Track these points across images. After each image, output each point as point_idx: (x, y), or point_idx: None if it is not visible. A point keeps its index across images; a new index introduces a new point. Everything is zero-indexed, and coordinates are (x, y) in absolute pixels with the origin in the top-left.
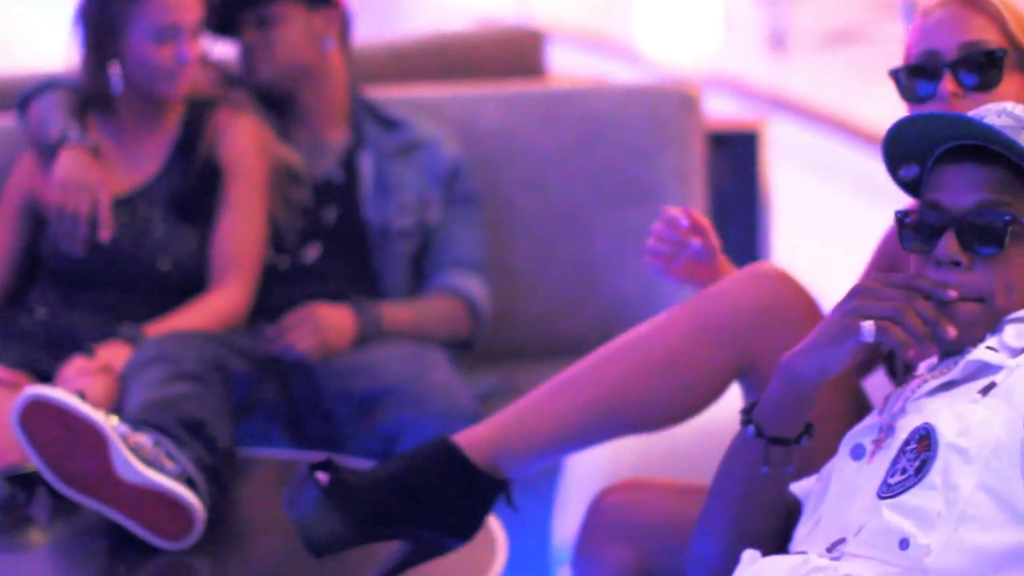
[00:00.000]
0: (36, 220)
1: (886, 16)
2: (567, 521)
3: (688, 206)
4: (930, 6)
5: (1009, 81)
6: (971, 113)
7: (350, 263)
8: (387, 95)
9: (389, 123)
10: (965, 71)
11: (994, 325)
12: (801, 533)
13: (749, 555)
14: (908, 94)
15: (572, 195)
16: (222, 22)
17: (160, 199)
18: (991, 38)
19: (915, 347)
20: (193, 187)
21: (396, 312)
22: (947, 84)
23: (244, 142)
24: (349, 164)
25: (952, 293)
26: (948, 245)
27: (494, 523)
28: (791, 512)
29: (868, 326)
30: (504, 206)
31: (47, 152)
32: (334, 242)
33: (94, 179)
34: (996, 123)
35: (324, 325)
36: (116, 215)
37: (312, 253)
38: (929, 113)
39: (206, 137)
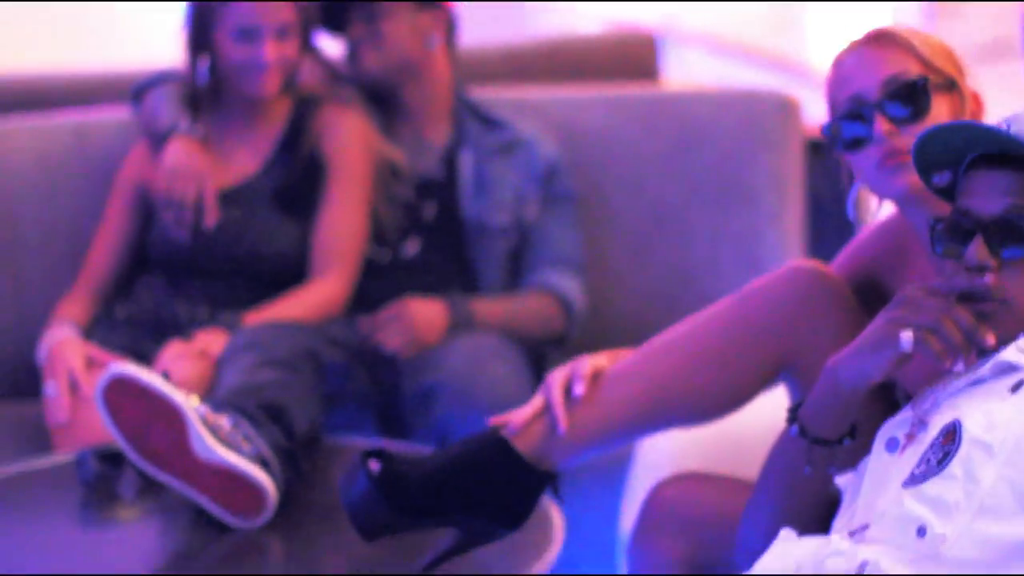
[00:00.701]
0: (146, 209)
1: None
2: (633, 510)
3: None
4: (840, 55)
5: (939, 104)
6: (1004, 119)
7: (448, 258)
8: (492, 95)
9: (490, 123)
10: (893, 107)
11: (1021, 327)
12: (838, 525)
13: (785, 533)
14: (846, 145)
15: (670, 197)
16: (332, 18)
17: (265, 192)
18: (909, 68)
19: (952, 358)
20: (297, 181)
21: (489, 307)
22: (880, 124)
23: (348, 138)
24: (450, 162)
25: (989, 278)
26: (977, 250)
27: (552, 509)
28: (833, 502)
29: (907, 336)
30: (602, 206)
31: (157, 141)
32: (433, 237)
33: (200, 167)
34: (1021, 129)
35: (415, 321)
36: (222, 206)
37: (411, 248)
38: (955, 123)
39: (311, 132)
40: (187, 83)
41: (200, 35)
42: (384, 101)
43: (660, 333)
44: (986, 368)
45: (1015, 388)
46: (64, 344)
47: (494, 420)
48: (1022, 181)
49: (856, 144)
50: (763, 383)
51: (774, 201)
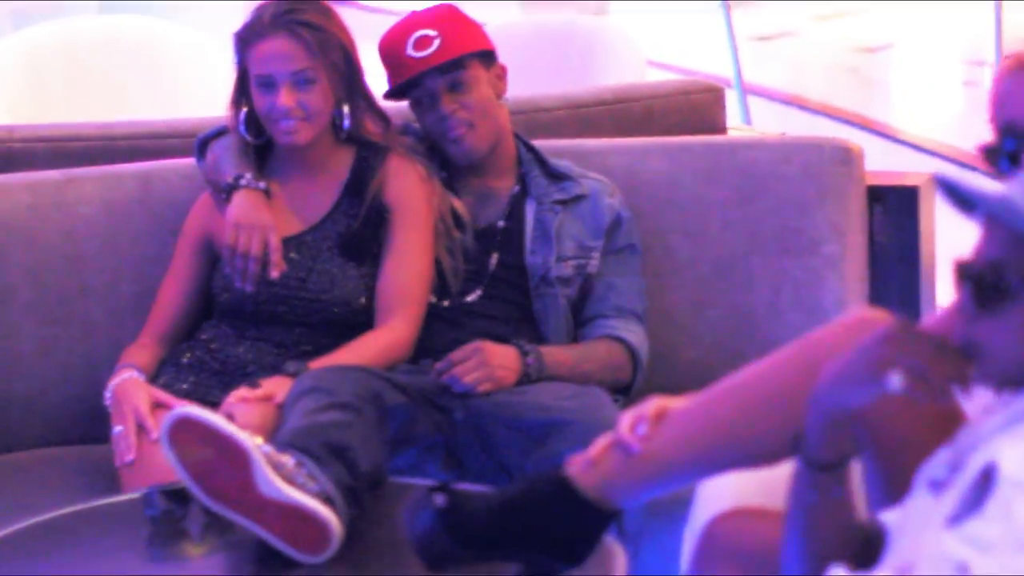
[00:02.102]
0: (212, 257)
1: None
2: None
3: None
4: (995, 77)
5: None
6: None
7: (511, 306)
8: (557, 144)
9: (554, 175)
10: None
11: (994, 381)
12: (887, 566)
13: (836, 571)
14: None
15: (731, 245)
16: (413, 92)
17: (329, 239)
18: None
19: (940, 400)
20: (361, 228)
21: (558, 355)
22: None
23: (411, 186)
24: (513, 212)
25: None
26: (963, 296)
27: (614, 547)
28: (868, 535)
29: (896, 379)
30: (664, 253)
31: (222, 193)
32: (496, 286)
33: (265, 220)
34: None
35: (491, 360)
36: (286, 253)
37: (474, 295)
38: (950, 183)
39: (375, 180)
40: (239, 135)
41: (241, 87)
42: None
43: (726, 376)
44: (1018, 407)
45: None
46: (130, 387)
47: (573, 460)
48: (1014, 235)
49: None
50: None
51: (835, 249)
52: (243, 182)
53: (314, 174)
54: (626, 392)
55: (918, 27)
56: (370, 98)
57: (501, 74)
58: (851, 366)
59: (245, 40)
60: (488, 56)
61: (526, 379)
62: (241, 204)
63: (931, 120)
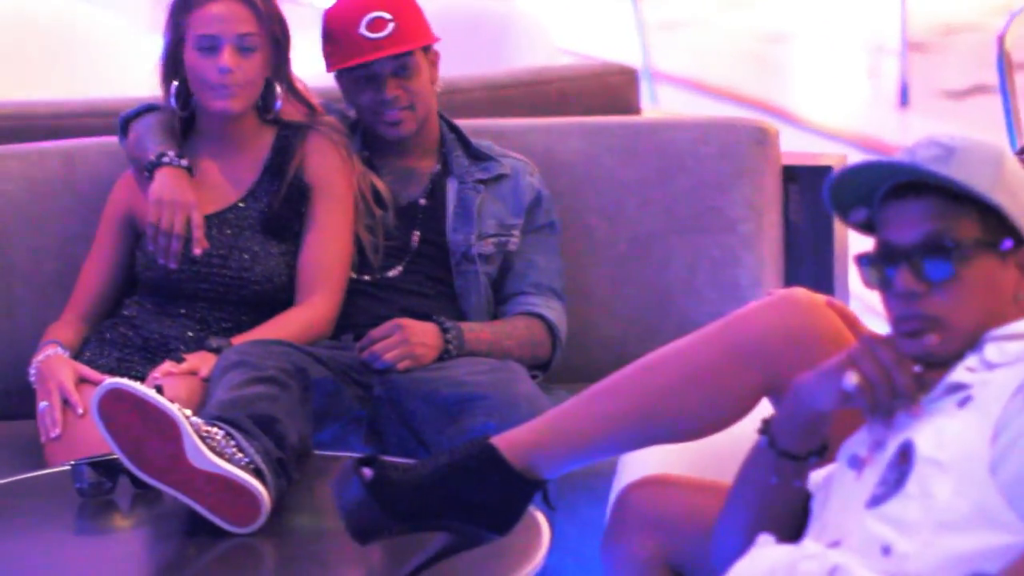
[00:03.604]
0: (134, 235)
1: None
2: None
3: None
4: None
5: None
6: (905, 148)
7: (432, 283)
8: (475, 123)
9: (476, 155)
10: None
11: (966, 342)
12: (811, 534)
13: (764, 538)
14: None
15: (649, 224)
16: (356, 71)
17: (250, 217)
18: None
19: (881, 413)
20: (281, 207)
21: (478, 331)
22: None
23: (331, 165)
24: (434, 190)
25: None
26: (903, 279)
27: (539, 516)
28: (806, 510)
29: (851, 379)
30: (582, 232)
31: (144, 171)
32: (417, 262)
33: (188, 197)
34: (925, 155)
35: (411, 337)
36: (208, 231)
37: (395, 271)
38: (863, 163)
39: (295, 159)
40: (168, 110)
41: (173, 58)
42: (370, 130)
43: (651, 352)
44: (937, 389)
45: (962, 404)
46: (55, 363)
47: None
48: (934, 205)
49: None
50: (747, 407)
51: (751, 228)
52: (165, 159)
53: (236, 152)
54: (545, 368)
55: (822, 16)
56: (294, 81)
57: (435, 60)
58: (827, 364)
59: (188, 4)
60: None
61: (446, 355)
62: (163, 181)
63: (834, 107)
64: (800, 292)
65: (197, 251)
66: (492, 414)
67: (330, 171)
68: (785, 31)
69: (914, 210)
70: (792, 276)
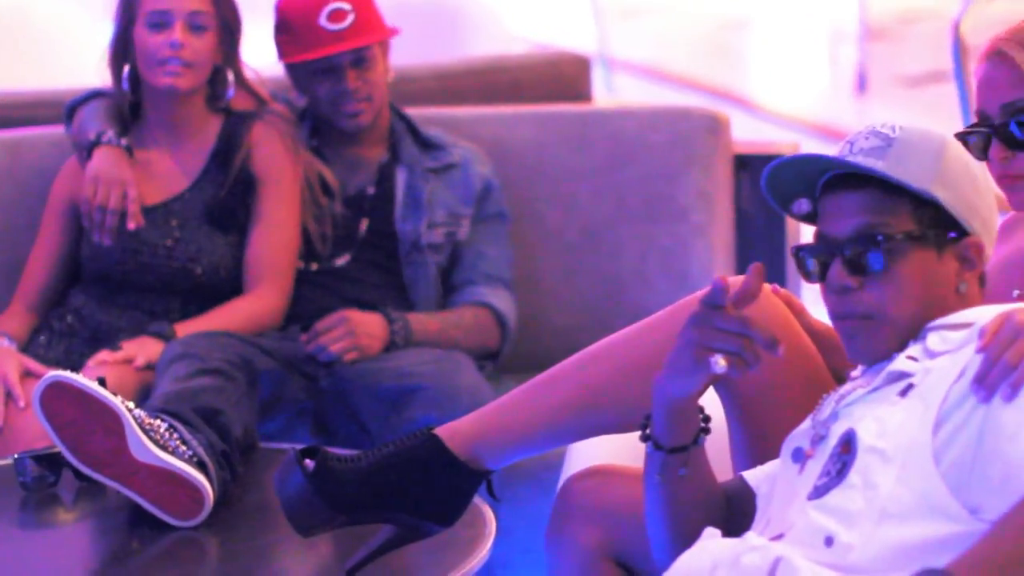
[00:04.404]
0: (78, 224)
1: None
2: None
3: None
4: (979, 56)
5: None
6: (847, 138)
7: (380, 272)
8: (426, 112)
9: (426, 144)
10: (1008, 136)
11: (900, 336)
12: (756, 528)
13: (709, 531)
14: (974, 153)
15: (600, 212)
16: (315, 62)
17: (196, 207)
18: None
19: (754, 368)
20: (228, 197)
21: (425, 322)
22: (996, 151)
23: (278, 156)
24: (383, 179)
25: (780, 350)
26: (837, 272)
27: (484, 508)
28: (747, 499)
29: (718, 361)
30: (534, 221)
31: (84, 151)
32: (366, 251)
33: (124, 175)
34: (864, 145)
35: (357, 329)
36: (154, 221)
37: (343, 260)
38: (796, 156)
39: (241, 148)
40: (114, 95)
41: (123, 41)
42: (319, 120)
43: (593, 344)
44: (879, 378)
45: (903, 393)
46: (0, 356)
47: (441, 428)
48: (869, 198)
49: (982, 155)
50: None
51: (702, 215)
52: (104, 139)
53: (182, 140)
54: (495, 358)
55: (782, 3)
56: (244, 70)
57: (387, 50)
58: (678, 355)
59: None
60: None
61: (392, 346)
62: (101, 160)
63: (793, 94)
64: (735, 279)
65: (131, 225)
66: (433, 405)
67: (276, 162)
68: (745, 18)
69: (849, 203)
70: (744, 265)
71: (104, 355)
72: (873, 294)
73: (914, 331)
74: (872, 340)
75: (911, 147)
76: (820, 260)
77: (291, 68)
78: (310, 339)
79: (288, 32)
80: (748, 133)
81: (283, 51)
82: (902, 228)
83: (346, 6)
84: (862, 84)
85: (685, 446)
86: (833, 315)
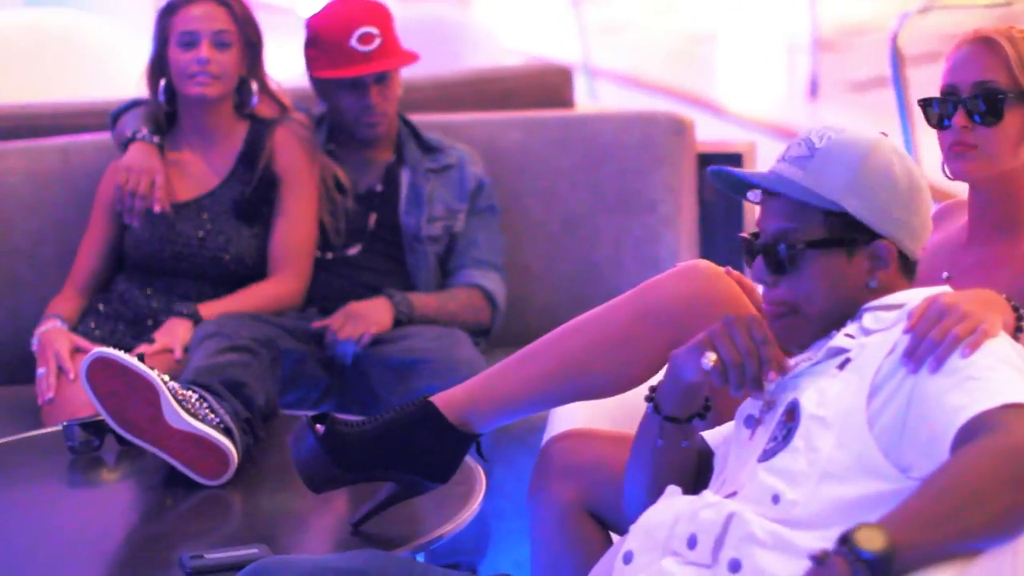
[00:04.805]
0: (121, 217)
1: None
2: None
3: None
4: (958, 42)
5: (1011, 116)
6: (788, 143)
7: (387, 260)
8: (427, 118)
9: (427, 147)
10: (974, 107)
11: (813, 328)
12: (713, 486)
13: (671, 489)
14: (931, 120)
15: (578, 205)
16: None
17: (225, 203)
18: (999, 77)
19: (736, 390)
20: (253, 194)
21: (425, 300)
22: (959, 118)
23: (297, 158)
24: (390, 178)
25: (772, 375)
26: (757, 268)
27: (476, 466)
28: (705, 458)
29: (708, 359)
30: (520, 213)
31: (122, 148)
32: (374, 242)
33: (153, 165)
34: (794, 153)
35: (365, 317)
36: (187, 215)
37: (355, 250)
38: (720, 170)
39: (265, 152)
40: (151, 105)
41: (160, 58)
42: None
43: (569, 320)
44: (820, 353)
45: (841, 366)
46: (52, 334)
47: (435, 396)
48: (786, 206)
49: (939, 123)
50: (656, 366)
51: (670, 208)
52: (139, 136)
53: (213, 144)
54: (487, 333)
55: (743, 18)
56: (267, 80)
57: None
58: (694, 341)
59: (173, 8)
60: None
61: (399, 322)
62: (134, 153)
63: (754, 99)
64: (702, 263)
65: (156, 209)
66: (435, 376)
67: (296, 163)
68: (712, 32)
69: (770, 207)
70: (707, 251)
71: (143, 348)
72: (785, 291)
73: (827, 323)
74: (788, 330)
75: (830, 159)
76: (750, 254)
77: (318, 81)
78: (330, 342)
79: (319, 49)
80: (713, 134)
81: (313, 65)
82: (810, 234)
83: (374, 30)
84: (814, 89)
85: (678, 419)
86: (764, 302)
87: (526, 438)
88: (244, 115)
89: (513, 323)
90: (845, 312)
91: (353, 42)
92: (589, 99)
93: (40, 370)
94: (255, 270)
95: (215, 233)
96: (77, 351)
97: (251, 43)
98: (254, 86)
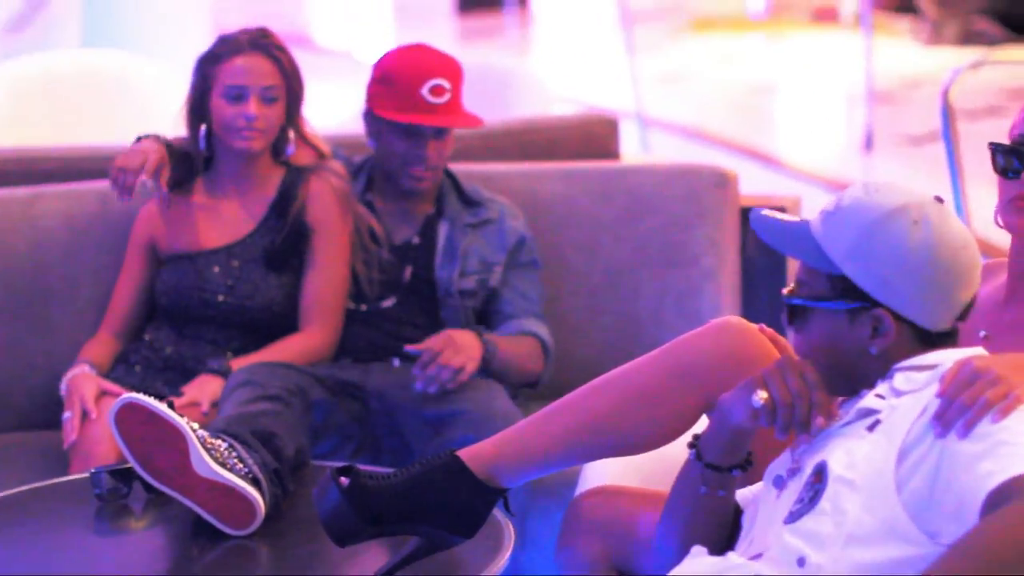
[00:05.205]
0: (156, 259)
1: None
2: None
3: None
4: None
5: None
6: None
7: (420, 313)
8: (467, 167)
9: (468, 201)
10: None
11: (829, 381)
12: (740, 548)
13: (696, 549)
14: (997, 168)
15: (620, 258)
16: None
17: (256, 251)
18: None
19: (782, 433)
20: (283, 243)
21: (500, 341)
22: None
23: (330, 208)
24: (426, 231)
25: (820, 420)
26: (784, 319)
27: (504, 520)
28: (734, 516)
29: (758, 396)
30: (561, 265)
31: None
32: (409, 295)
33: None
34: (828, 207)
35: (467, 350)
36: (218, 261)
37: (389, 302)
38: (757, 222)
39: (298, 200)
40: (189, 149)
41: (199, 104)
42: (374, 174)
43: (600, 375)
44: (850, 414)
45: (871, 428)
46: (80, 379)
47: (462, 451)
48: (805, 261)
49: (1003, 172)
50: (687, 423)
51: (712, 262)
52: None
53: (247, 191)
54: (534, 385)
55: (801, 70)
56: (304, 127)
57: None
58: (745, 381)
59: (217, 57)
60: None
61: (484, 363)
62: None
63: (811, 151)
64: (734, 320)
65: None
66: (471, 428)
67: (329, 214)
68: (769, 83)
69: (798, 264)
70: (749, 306)
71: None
72: (797, 344)
73: (834, 383)
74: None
75: (844, 219)
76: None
77: (376, 119)
78: (424, 364)
79: (388, 88)
80: (766, 185)
81: (376, 103)
82: (815, 291)
83: (447, 84)
84: (869, 142)
85: (719, 467)
86: None
87: (561, 491)
88: (279, 162)
89: (556, 376)
90: (849, 374)
91: (424, 91)
92: (641, 149)
93: (66, 414)
94: (281, 319)
95: (243, 281)
96: (104, 395)
97: (295, 94)
98: (291, 134)
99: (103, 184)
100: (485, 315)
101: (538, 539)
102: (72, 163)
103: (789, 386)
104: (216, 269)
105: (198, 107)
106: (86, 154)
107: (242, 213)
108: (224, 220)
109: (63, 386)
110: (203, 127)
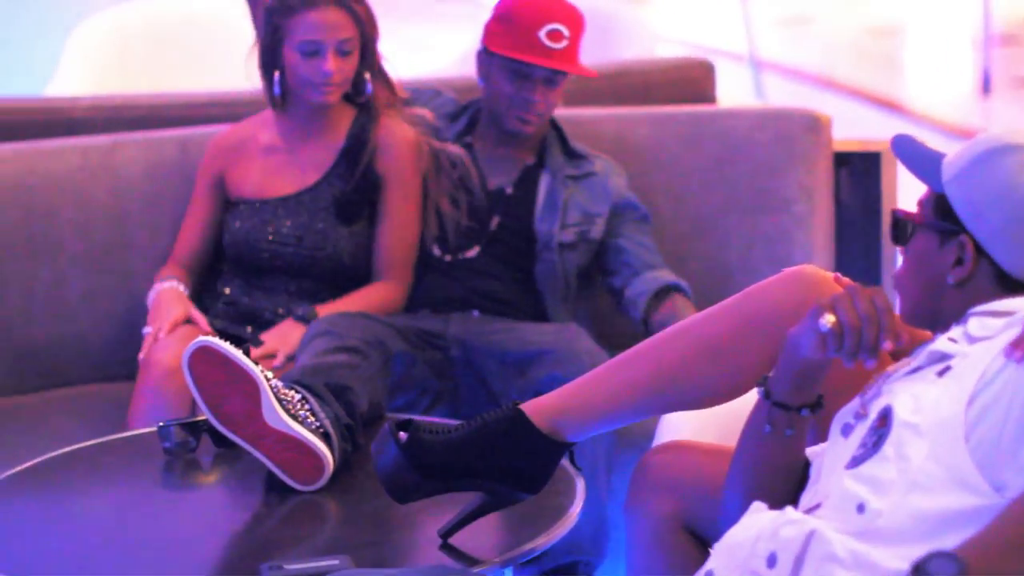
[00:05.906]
0: (224, 195)
1: None
2: None
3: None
4: None
5: None
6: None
7: (506, 267)
8: (557, 113)
9: (573, 154)
10: None
11: (914, 312)
12: (803, 502)
13: (756, 505)
14: None
15: (709, 205)
16: (514, 63)
17: (324, 200)
18: None
19: (849, 359)
20: (353, 194)
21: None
22: None
23: (402, 157)
24: (524, 181)
25: (888, 344)
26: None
27: (574, 474)
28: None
29: (826, 320)
30: (649, 212)
31: None
32: (494, 246)
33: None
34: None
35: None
36: (287, 210)
37: (473, 252)
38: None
39: (368, 147)
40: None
41: (271, 52)
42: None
43: (669, 327)
44: (921, 357)
45: (941, 373)
46: (170, 294)
47: (525, 404)
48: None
49: None
50: (759, 375)
51: (803, 209)
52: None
53: (316, 137)
54: None
55: (925, 11)
56: (381, 65)
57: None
58: (812, 309)
59: (290, 8)
60: None
61: None
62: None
63: (932, 96)
64: (809, 268)
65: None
66: (557, 365)
67: (400, 163)
68: (893, 26)
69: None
70: (842, 254)
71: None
72: (903, 264)
73: (918, 308)
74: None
75: (968, 148)
76: None
77: (490, 56)
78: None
79: (507, 25)
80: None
81: (492, 39)
82: (919, 212)
83: (565, 30)
84: (987, 86)
85: (788, 406)
86: None
87: (644, 445)
88: (352, 104)
89: (635, 326)
90: (929, 304)
91: (542, 33)
92: (755, 95)
93: (146, 328)
94: (352, 269)
95: (313, 231)
96: (187, 322)
97: (370, 37)
98: (367, 76)
99: (183, 131)
100: (600, 271)
101: (621, 493)
102: (155, 110)
103: (858, 309)
104: (284, 219)
105: (270, 57)
106: (169, 101)
107: (312, 160)
108: (293, 166)
109: (152, 295)
110: (277, 73)
